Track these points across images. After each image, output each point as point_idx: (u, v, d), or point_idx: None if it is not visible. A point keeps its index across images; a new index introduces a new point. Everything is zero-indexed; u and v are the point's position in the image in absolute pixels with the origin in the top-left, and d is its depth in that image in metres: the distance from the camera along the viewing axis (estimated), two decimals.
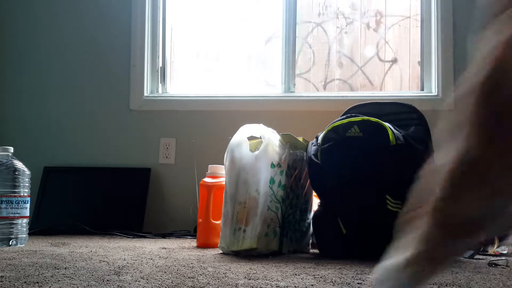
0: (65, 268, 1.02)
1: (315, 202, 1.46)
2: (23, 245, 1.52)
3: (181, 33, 2.49)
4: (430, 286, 0.86)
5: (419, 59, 2.29)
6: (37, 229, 1.98)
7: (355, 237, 1.28)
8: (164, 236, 1.97)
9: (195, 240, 1.71)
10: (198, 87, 2.45)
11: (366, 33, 2.36)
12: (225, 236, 1.37)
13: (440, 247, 0.45)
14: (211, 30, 2.46)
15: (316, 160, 1.33)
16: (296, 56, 2.37)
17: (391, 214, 1.23)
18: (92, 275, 0.93)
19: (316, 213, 1.37)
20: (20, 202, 1.50)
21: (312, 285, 0.85)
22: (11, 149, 1.54)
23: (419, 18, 2.31)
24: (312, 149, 1.37)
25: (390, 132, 1.25)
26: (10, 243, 1.48)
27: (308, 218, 1.45)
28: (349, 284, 0.87)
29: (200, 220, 1.60)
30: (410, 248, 0.46)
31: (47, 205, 2.23)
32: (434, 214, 0.44)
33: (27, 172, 1.55)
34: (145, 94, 2.37)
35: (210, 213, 1.58)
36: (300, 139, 1.45)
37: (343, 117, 1.34)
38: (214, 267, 1.07)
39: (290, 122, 2.22)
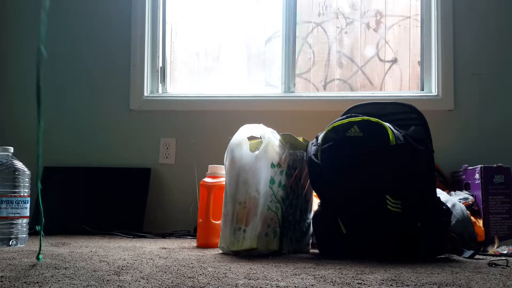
0: (65, 268, 1.02)
1: (315, 202, 1.46)
2: (23, 245, 1.52)
3: (181, 33, 2.49)
4: (430, 286, 0.86)
5: (419, 59, 2.30)
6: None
7: (355, 237, 1.28)
8: (164, 236, 1.97)
9: (195, 240, 1.71)
10: (198, 87, 2.45)
11: (366, 33, 2.36)
12: (225, 236, 1.37)
13: None
14: (211, 30, 2.46)
15: (316, 160, 1.33)
16: (296, 56, 2.37)
17: (391, 214, 1.23)
18: (92, 275, 0.93)
19: (316, 213, 1.37)
20: (20, 202, 1.50)
21: (312, 285, 0.85)
22: (11, 149, 1.54)
23: (419, 18, 2.31)
24: (312, 149, 1.37)
25: (390, 132, 1.25)
26: (10, 243, 1.48)
27: (308, 218, 1.45)
28: (349, 284, 0.87)
29: (200, 220, 1.60)
30: None
31: (47, 205, 2.22)
32: None
33: (27, 172, 1.55)
34: (145, 94, 2.37)
35: (210, 213, 1.58)
36: (300, 139, 1.45)
37: (343, 117, 1.34)
38: (214, 267, 1.07)
39: (290, 122, 2.22)
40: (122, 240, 1.80)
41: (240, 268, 1.05)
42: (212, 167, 1.66)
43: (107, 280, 0.87)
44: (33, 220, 2.10)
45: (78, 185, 2.27)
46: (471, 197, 1.71)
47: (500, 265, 1.13)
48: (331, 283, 0.87)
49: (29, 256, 1.24)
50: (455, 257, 1.33)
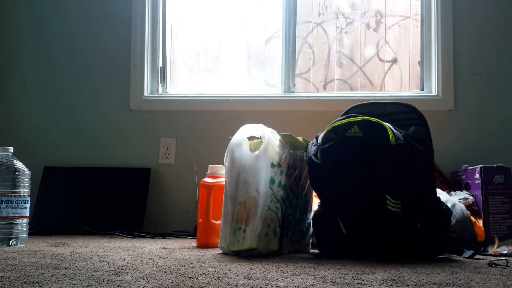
0: (65, 268, 1.02)
1: (315, 202, 1.46)
2: (23, 245, 1.52)
3: (181, 33, 2.49)
4: (430, 286, 0.86)
5: (419, 59, 2.29)
6: (37, 229, 1.98)
7: (355, 237, 1.28)
8: (164, 236, 1.97)
9: (195, 240, 1.71)
10: (198, 87, 2.45)
11: (366, 33, 2.36)
12: (225, 236, 1.37)
13: None
14: (211, 30, 2.46)
15: (316, 160, 1.33)
16: (296, 56, 2.37)
17: (391, 214, 1.23)
18: (92, 275, 0.93)
19: (316, 213, 1.37)
20: (20, 202, 1.50)
21: (312, 285, 0.85)
22: (11, 149, 1.54)
23: (419, 18, 2.31)
24: (312, 149, 1.37)
25: (390, 132, 1.25)
26: (10, 243, 1.48)
27: (308, 218, 1.45)
28: (349, 284, 0.87)
29: (200, 220, 1.60)
30: None
31: (47, 205, 2.23)
32: None
33: (27, 172, 1.55)
34: (145, 94, 2.37)
35: (210, 213, 1.58)
36: (300, 139, 1.45)
37: (343, 117, 1.34)
38: (214, 267, 1.07)
39: (290, 122, 2.22)
40: (122, 240, 1.80)
41: (240, 268, 1.05)
42: (212, 167, 1.66)
43: (107, 280, 0.87)
44: (33, 219, 2.10)
45: (78, 185, 2.27)
46: (471, 197, 1.71)
47: (500, 265, 1.13)
48: (331, 283, 0.87)
49: (29, 256, 1.24)
50: (455, 257, 1.33)
